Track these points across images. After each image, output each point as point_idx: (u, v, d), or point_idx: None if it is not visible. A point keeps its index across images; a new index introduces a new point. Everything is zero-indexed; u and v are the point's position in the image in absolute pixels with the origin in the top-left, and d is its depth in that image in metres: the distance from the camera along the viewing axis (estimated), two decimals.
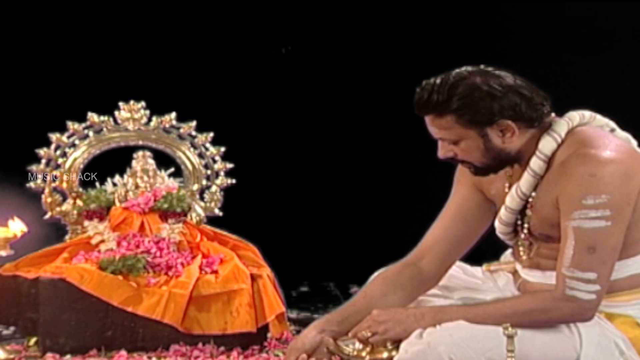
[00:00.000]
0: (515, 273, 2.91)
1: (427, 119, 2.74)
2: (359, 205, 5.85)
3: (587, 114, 2.80)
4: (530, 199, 2.77)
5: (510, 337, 2.41)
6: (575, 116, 2.78)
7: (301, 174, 5.76)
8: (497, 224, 2.86)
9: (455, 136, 2.73)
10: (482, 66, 2.74)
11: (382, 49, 5.80)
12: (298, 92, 5.80)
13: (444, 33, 5.70)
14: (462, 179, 2.93)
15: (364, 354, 2.76)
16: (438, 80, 2.71)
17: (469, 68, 2.73)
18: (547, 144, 2.73)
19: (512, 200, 2.78)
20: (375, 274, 3.00)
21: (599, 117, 2.82)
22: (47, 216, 4.72)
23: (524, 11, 5.60)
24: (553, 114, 2.78)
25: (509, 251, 3.01)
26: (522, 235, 2.82)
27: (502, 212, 2.81)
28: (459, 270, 3.00)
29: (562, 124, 2.75)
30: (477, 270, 3.02)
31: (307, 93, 5.80)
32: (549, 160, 2.73)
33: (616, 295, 2.73)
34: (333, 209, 5.82)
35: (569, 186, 2.65)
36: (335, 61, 5.80)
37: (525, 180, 2.75)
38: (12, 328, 4.58)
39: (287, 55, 5.93)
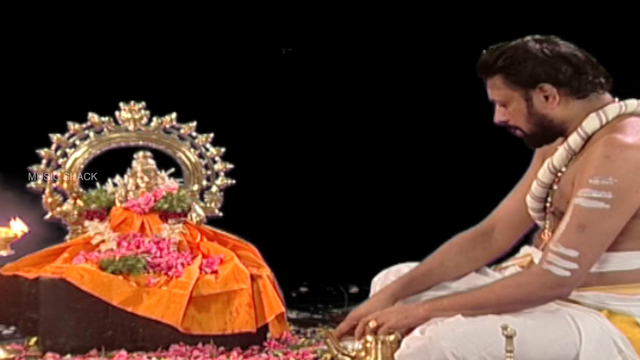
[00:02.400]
0: (530, 264, 2.89)
1: (487, 82, 2.79)
2: (358, 205, 5.85)
3: None
4: (559, 174, 2.77)
5: (509, 338, 2.40)
6: (633, 104, 2.75)
7: (301, 174, 5.76)
8: (528, 198, 2.85)
9: (503, 97, 2.76)
10: (551, 36, 2.76)
11: (380, 50, 5.80)
12: (298, 92, 5.80)
13: (445, 32, 5.71)
14: (537, 154, 2.95)
15: (362, 354, 2.75)
16: (501, 44, 2.75)
17: (537, 36, 2.76)
18: (590, 122, 2.72)
19: (543, 172, 2.79)
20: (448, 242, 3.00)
21: None
22: (47, 216, 4.72)
23: None
24: (616, 99, 2.75)
25: (523, 248, 2.99)
26: (549, 211, 2.81)
27: (534, 185, 2.82)
28: None
29: (614, 108, 2.73)
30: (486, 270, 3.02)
31: (307, 93, 5.80)
32: (588, 139, 2.73)
33: (622, 288, 2.70)
34: (333, 209, 5.82)
35: (586, 166, 2.65)
36: (335, 61, 5.81)
37: (559, 154, 2.76)
38: (12, 328, 4.58)
39: (287, 55, 5.93)
